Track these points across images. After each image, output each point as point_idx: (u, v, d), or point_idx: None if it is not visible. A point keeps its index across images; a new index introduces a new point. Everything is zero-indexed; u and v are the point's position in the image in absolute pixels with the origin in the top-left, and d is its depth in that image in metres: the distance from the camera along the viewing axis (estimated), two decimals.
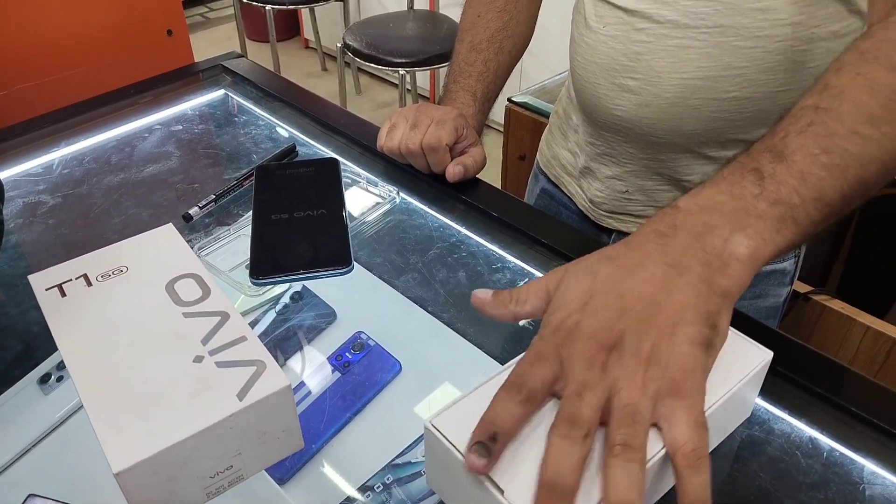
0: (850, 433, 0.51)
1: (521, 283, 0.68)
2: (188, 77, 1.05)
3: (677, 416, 0.37)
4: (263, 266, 0.57)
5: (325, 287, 0.67)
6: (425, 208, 0.78)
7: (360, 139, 0.87)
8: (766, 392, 0.52)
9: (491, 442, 0.37)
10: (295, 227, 0.60)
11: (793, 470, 0.49)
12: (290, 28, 3.87)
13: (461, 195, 0.77)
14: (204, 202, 0.77)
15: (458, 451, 0.40)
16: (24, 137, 0.90)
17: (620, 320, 0.40)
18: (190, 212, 0.75)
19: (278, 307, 0.66)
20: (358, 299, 0.67)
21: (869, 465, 0.49)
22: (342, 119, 0.92)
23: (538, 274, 0.69)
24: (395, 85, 3.18)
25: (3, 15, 1.62)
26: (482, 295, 0.46)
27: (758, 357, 0.46)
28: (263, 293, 0.66)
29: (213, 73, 1.06)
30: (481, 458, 0.37)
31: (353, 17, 3.29)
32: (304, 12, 3.62)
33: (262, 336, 0.63)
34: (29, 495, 0.48)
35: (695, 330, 0.39)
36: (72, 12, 1.76)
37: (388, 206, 0.78)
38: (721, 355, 0.42)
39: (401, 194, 0.79)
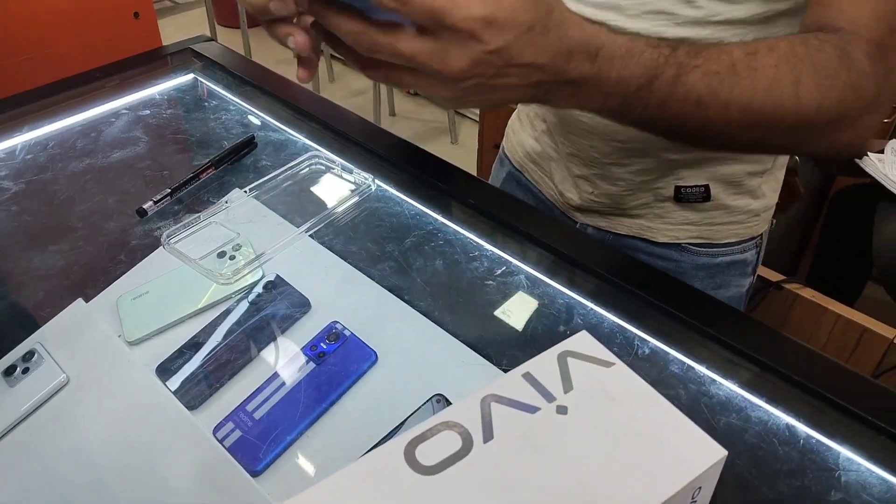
0: (826, 420, 0.52)
1: (499, 271, 0.68)
2: (156, 61, 1.02)
3: None
4: None
5: (300, 276, 0.66)
6: (401, 196, 0.77)
7: (334, 125, 0.86)
8: (743, 380, 0.52)
9: None
10: None
11: (770, 457, 0.49)
12: None
13: (438, 183, 0.76)
14: (159, 196, 0.75)
15: None
16: None
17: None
18: (144, 206, 0.73)
19: (251, 297, 0.65)
20: (333, 289, 0.66)
21: (844, 452, 0.50)
22: (315, 105, 0.90)
23: (515, 262, 0.69)
24: None
25: None
26: None
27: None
28: (235, 281, 0.65)
29: (183, 57, 1.03)
30: None
31: None
32: None
33: (235, 326, 0.62)
34: None
35: None
36: None
37: (363, 194, 0.76)
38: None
39: (376, 182, 0.78)
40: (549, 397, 0.40)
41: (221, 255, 0.67)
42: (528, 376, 0.41)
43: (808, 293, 1.21)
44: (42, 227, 0.73)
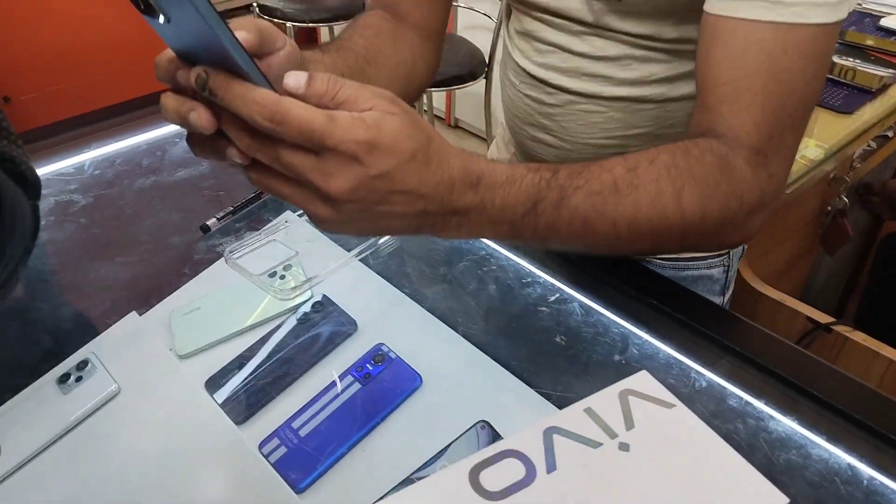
0: (890, 461, 0.50)
1: (552, 298, 0.68)
2: None
3: None
4: None
5: (347, 298, 0.67)
6: None
7: None
8: (803, 417, 0.51)
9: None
10: None
11: (832, 498, 0.48)
12: (308, 45, 3.92)
13: None
14: (222, 213, 0.77)
15: None
16: (56, 138, 0.91)
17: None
18: (208, 223, 0.76)
19: (299, 315, 0.65)
20: (380, 311, 0.66)
21: None
22: None
23: (567, 290, 0.68)
24: (413, 106, 3.20)
25: (38, 21, 1.65)
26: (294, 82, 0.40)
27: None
28: (293, 297, 0.66)
29: None
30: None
31: None
32: (324, 30, 3.66)
33: (283, 344, 0.63)
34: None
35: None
36: (101, 20, 1.79)
37: None
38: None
39: None
40: (611, 434, 0.40)
41: (272, 274, 0.68)
42: (589, 411, 0.41)
43: (858, 336, 1.18)
44: (107, 239, 0.75)
